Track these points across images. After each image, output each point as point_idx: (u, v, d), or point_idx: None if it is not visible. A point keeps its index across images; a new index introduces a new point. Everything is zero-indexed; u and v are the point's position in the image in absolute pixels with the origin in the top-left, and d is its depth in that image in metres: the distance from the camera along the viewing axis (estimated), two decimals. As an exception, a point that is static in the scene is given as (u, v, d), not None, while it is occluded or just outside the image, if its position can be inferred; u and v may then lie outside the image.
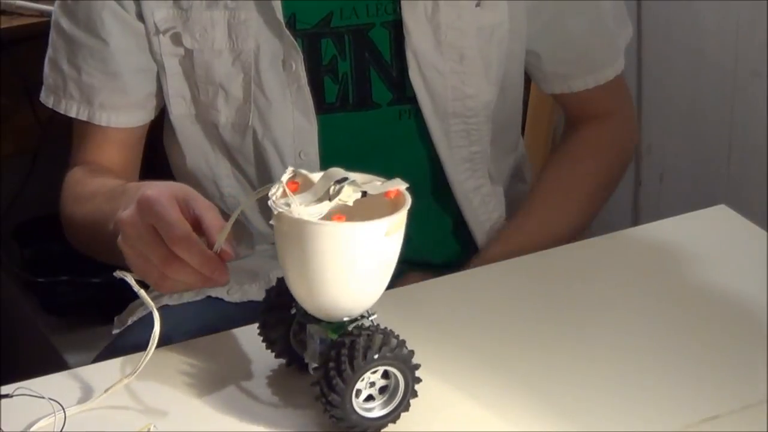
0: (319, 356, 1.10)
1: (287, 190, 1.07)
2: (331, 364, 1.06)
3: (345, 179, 1.07)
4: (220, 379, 1.17)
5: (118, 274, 1.14)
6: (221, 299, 1.48)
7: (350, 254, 1.06)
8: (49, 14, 2.05)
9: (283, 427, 1.10)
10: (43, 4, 2.11)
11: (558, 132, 2.07)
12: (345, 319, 1.10)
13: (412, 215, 1.54)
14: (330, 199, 1.07)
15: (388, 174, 1.11)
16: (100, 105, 1.48)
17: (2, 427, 1.10)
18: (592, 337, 1.23)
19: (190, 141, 1.50)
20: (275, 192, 1.08)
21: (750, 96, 2.07)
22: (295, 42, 1.42)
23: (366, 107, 1.47)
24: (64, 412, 1.10)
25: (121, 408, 1.13)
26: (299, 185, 1.09)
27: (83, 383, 1.13)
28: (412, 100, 1.47)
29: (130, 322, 1.48)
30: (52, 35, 1.50)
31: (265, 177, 1.48)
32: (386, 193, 1.09)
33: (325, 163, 1.46)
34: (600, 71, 1.55)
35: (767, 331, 1.21)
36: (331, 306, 1.09)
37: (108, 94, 1.47)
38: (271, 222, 1.08)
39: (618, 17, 1.55)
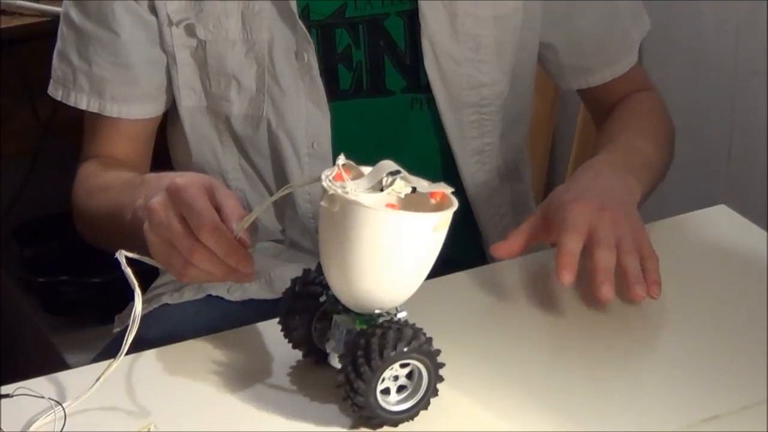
0: (345, 345, 1.10)
1: (344, 174, 1.07)
2: (360, 352, 1.06)
3: (398, 172, 1.07)
4: (220, 379, 1.17)
5: (118, 254, 1.14)
6: (221, 298, 1.48)
7: (397, 244, 1.06)
8: (49, 14, 2.06)
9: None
10: (43, 4, 2.11)
11: (558, 132, 2.07)
12: (376, 311, 1.10)
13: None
14: (382, 190, 1.07)
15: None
16: (111, 97, 1.47)
17: (2, 427, 1.10)
18: (591, 337, 1.23)
19: (198, 134, 1.49)
20: (330, 174, 1.08)
21: (750, 96, 2.07)
22: (307, 33, 1.42)
23: (379, 94, 1.47)
24: (64, 411, 1.10)
25: (121, 408, 1.13)
26: (349, 174, 1.09)
27: (83, 383, 1.13)
28: (426, 88, 1.47)
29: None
30: (62, 27, 1.49)
31: (278, 167, 1.48)
32: (432, 194, 1.09)
33: (337, 153, 1.46)
34: (616, 64, 1.55)
35: (767, 331, 1.21)
36: (366, 296, 1.09)
37: (119, 85, 1.47)
38: (322, 203, 1.07)
39: (634, 10, 1.56)
